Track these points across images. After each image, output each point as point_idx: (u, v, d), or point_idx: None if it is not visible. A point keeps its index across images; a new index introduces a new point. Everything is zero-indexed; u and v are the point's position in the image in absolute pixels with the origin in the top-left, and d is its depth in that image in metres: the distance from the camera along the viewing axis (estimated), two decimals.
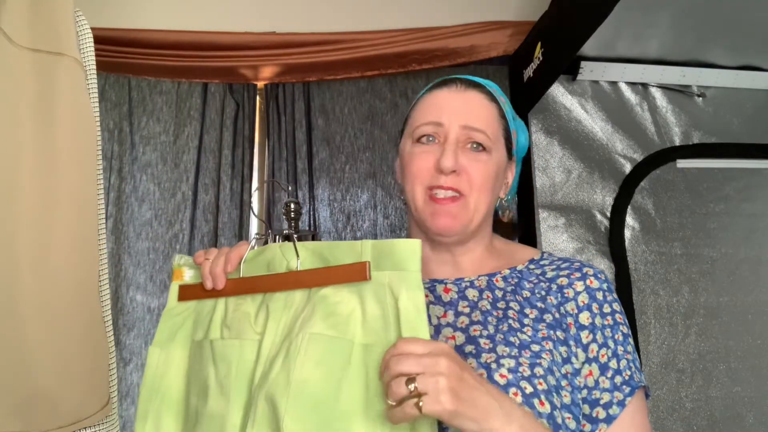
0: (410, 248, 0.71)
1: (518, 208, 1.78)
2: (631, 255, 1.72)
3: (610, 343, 0.78)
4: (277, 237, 0.82)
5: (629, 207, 1.74)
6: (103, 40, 1.62)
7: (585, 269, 0.83)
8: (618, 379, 0.76)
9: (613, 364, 0.77)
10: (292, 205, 1.42)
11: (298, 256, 0.76)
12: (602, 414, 0.75)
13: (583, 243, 1.72)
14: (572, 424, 0.73)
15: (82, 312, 0.72)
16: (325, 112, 1.80)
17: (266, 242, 0.82)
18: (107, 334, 0.76)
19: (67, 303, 0.70)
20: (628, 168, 1.77)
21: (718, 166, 1.80)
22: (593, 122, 1.79)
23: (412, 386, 0.59)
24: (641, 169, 1.76)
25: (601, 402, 0.76)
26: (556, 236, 1.72)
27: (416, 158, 0.84)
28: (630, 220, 1.74)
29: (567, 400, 0.74)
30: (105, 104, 1.73)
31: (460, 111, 0.85)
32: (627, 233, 1.73)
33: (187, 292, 0.82)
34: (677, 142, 1.80)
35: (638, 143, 1.79)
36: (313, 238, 1.48)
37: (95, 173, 0.76)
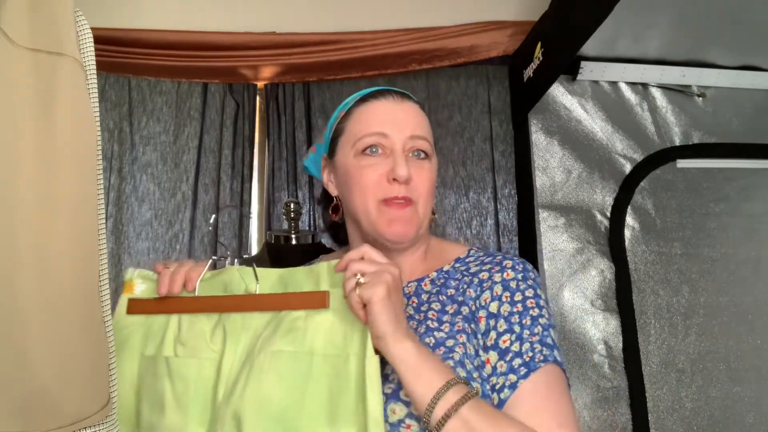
0: None
1: (518, 208, 1.78)
2: (631, 255, 1.72)
3: (516, 328, 0.79)
4: (236, 261, 0.84)
5: (629, 207, 1.74)
6: (103, 40, 1.62)
7: (505, 262, 0.85)
8: (516, 362, 0.76)
9: (515, 347, 0.77)
10: (292, 205, 1.42)
11: (257, 280, 0.79)
12: (496, 399, 0.75)
13: (583, 243, 1.72)
14: None
15: (82, 312, 0.72)
16: (325, 112, 1.80)
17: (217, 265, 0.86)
18: (107, 334, 0.76)
19: (67, 303, 0.70)
20: (628, 168, 1.77)
21: (718, 166, 1.80)
22: (593, 122, 1.79)
23: (359, 278, 0.73)
24: (641, 169, 1.76)
25: (497, 387, 0.76)
26: (556, 236, 1.71)
27: (364, 171, 0.86)
28: (630, 220, 1.74)
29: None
30: (105, 104, 1.73)
31: (402, 121, 0.88)
32: (627, 233, 1.73)
33: (137, 306, 0.84)
34: (677, 142, 1.80)
35: (638, 143, 1.79)
36: (313, 239, 1.48)
37: (95, 173, 0.76)
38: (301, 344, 0.74)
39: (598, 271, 1.70)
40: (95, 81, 0.78)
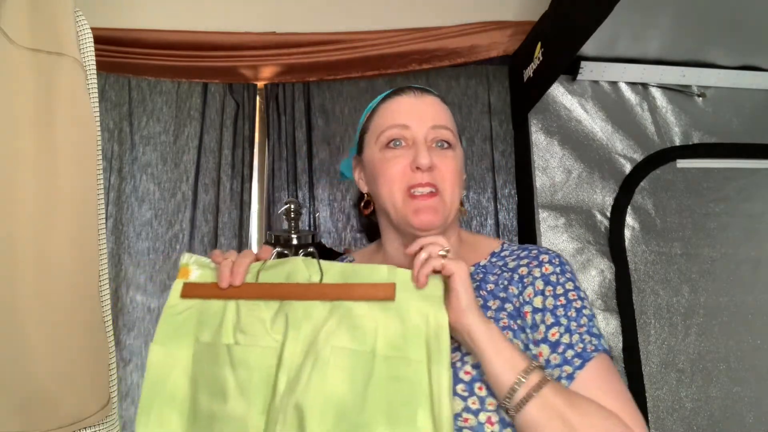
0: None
1: (518, 208, 1.78)
2: (631, 255, 1.72)
3: (563, 321, 0.80)
4: (300, 252, 0.84)
5: (629, 207, 1.74)
6: (103, 40, 1.62)
7: (541, 256, 0.87)
8: (569, 353, 0.78)
9: (565, 339, 0.79)
10: (292, 205, 1.42)
11: (321, 272, 0.79)
12: None
13: (583, 243, 1.72)
14: None
15: (82, 312, 0.72)
16: (325, 112, 1.80)
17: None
18: (107, 334, 0.76)
19: (67, 303, 0.70)
20: (628, 168, 1.77)
21: (718, 166, 1.80)
22: (593, 122, 1.79)
23: (443, 252, 0.75)
24: (641, 169, 1.76)
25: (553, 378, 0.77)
26: (556, 236, 1.71)
27: (389, 163, 0.88)
28: (630, 220, 1.74)
29: None
30: (105, 104, 1.73)
31: (423, 113, 0.90)
32: (627, 233, 1.73)
33: (192, 291, 0.82)
34: (677, 142, 1.80)
35: (638, 143, 1.79)
36: (313, 239, 1.48)
37: (95, 173, 0.76)
38: (364, 343, 0.74)
39: (598, 271, 1.70)
40: (95, 81, 0.79)
